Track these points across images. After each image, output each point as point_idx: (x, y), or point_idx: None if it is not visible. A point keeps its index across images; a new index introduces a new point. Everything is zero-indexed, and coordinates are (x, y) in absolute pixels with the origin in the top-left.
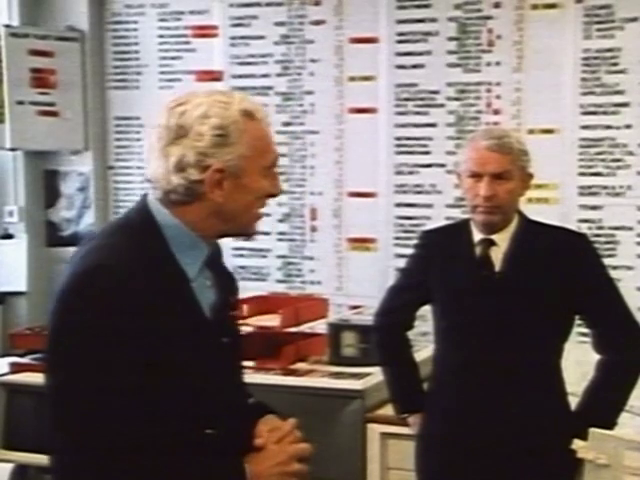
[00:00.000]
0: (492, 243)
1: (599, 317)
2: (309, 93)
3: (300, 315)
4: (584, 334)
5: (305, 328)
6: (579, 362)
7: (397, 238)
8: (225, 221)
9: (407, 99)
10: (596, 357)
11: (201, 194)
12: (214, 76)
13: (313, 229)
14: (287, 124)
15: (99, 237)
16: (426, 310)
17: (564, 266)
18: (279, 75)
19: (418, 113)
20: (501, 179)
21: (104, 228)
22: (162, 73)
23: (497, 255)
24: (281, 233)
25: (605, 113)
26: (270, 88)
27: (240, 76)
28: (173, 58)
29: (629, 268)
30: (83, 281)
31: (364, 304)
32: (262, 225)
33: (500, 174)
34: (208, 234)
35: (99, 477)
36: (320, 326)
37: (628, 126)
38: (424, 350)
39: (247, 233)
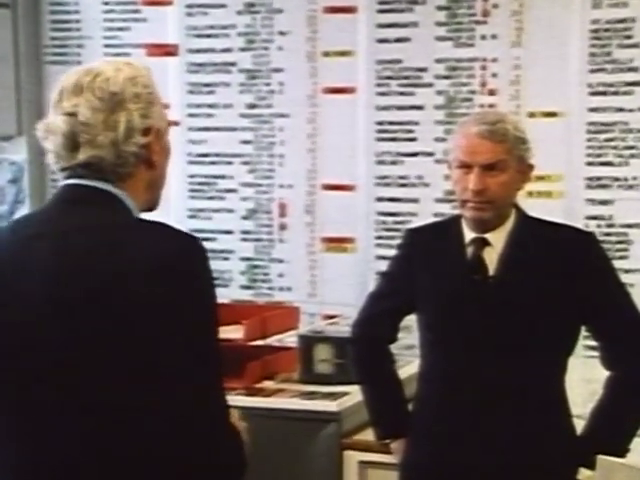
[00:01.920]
0: (486, 243)
1: (608, 328)
2: (277, 71)
3: (267, 326)
4: (591, 347)
5: (273, 341)
6: (586, 380)
7: (379, 237)
8: (152, 192)
9: (390, 77)
10: (605, 374)
11: (144, 162)
12: (167, 50)
13: (282, 227)
14: (252, 106)
15: (109, 232)
16: (411, 320)
17: (568, 269)
18: (243, 50)
19: (402, 94)
20: (494, 170)
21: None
22: (107, 46)
23: (491, 257)
24: (245, 232)
25: (616, 93)
26: (232, 64)
27: (197, 50)
28: (120, 29)
29: None
30: (196, 252)
31: (341, 313)
32: (223, 223)
33: (492, 165)
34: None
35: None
36: (290, 339)
37: None
38: (409, 366)
39: (157, 206)
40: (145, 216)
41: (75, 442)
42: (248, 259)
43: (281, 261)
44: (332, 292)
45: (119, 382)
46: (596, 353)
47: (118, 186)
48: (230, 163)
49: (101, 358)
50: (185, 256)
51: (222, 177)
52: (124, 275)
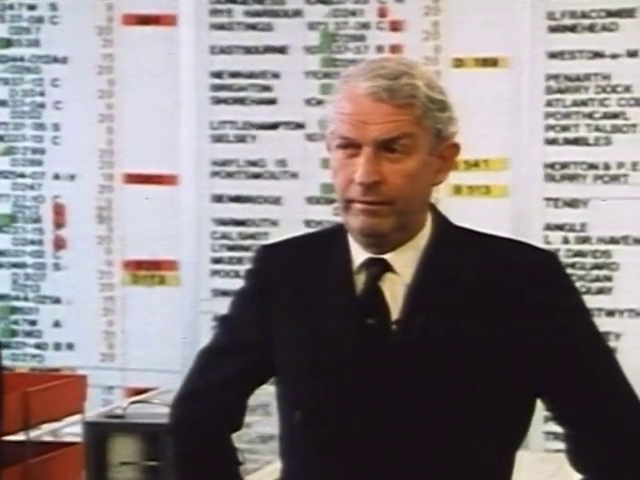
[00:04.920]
0: (386, 269)
1: (577, 404)
2: None
3: (32, 409)
4: (554, 435)
5: (43, 433)
6: None
7: (216, 260)
8: None
9: (230, 0)
10: (575, 477)
11: None
12: None
13: (59, 245)
14: (5, 43)
15: None
16: (269, 394)
17: (516, 310)
18: None
19: (252, 27)
20: (394, 152)
21: None
22: None
23: (395, 290)
24: None
25: (591, 29)
26: None
27: None
28: None
29: (637, 313)
30: None
31: (155, 385)
32: None
33: (392, 142)
34: None
35: None
36: (71, 429)
37: (633, 53)
38: (265, 469)
39: None
40: None
41: None
42: (3, 298)
43: (57, 301)
44: (141, 351)
45: None
46: (561, 444)
47: None
48: None
49: None
50: None
51: None
52: None
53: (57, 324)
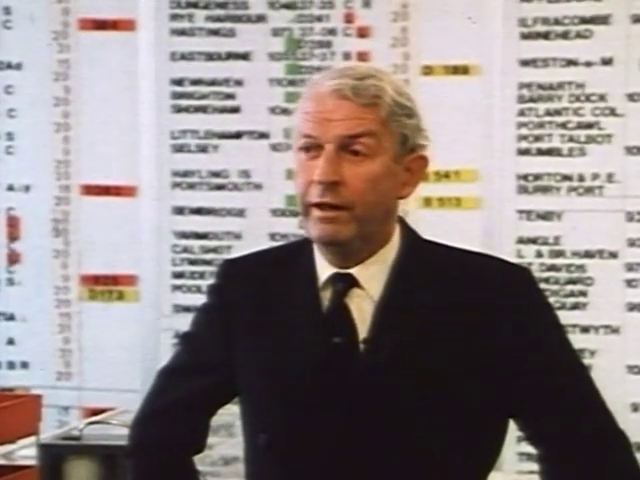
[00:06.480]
0: (352, 284)
1: (551, 423)
2: None
3: None
4: (528, 456)
5: None
6: None
7: (178, 275)
8: None
9: (192, 5)
10: None
11: None
12: None
13: (13, 259)
14: None
15: None
16: (233, 414)
17: (488, 327)
18: None
19: (214, 33)
20: (357, 154)
21: None
22: None
23: (362, 307)
24: None
25: (564, 36)
26: None
27: None
28: None
29: (612, 330)
30: None
31: (112, 405)
32: None
33: (354, 139)
34: None
35: None
36: (25, 451)
37: (607, 61)
38: None
39: None
40: None
41: None
42: None
43: (11, 317)
44: (98, 370)
45: None
46: (535, 466)
47: None
48: None
49: None
50: None
51: None
52: None
53: (11, 342)
